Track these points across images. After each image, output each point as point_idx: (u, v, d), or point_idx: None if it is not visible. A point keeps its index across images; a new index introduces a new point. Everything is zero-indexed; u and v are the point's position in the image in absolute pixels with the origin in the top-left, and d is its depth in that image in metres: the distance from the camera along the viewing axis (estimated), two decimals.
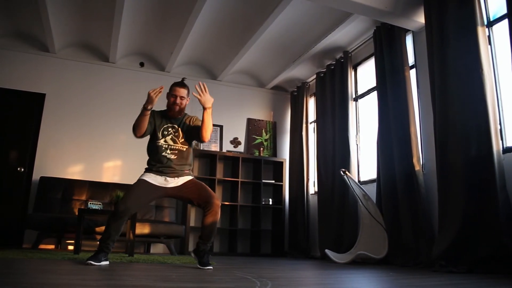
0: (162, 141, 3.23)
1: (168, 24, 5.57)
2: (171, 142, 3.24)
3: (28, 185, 5.69)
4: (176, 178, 3.22)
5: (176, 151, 3.25)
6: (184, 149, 3.28)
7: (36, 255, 3.66)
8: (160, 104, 3.34)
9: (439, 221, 3.77)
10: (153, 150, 3.25)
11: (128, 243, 4.42)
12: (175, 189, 3.22)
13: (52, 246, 5.53)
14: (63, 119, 6.00)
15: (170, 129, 3.27)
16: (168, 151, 3.22)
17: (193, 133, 3.28)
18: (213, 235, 3.22)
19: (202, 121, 3.18)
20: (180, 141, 3.28)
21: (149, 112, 3.17)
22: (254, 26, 5.30)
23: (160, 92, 3.12)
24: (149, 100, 3.12)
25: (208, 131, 3.18)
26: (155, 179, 3.18)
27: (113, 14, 5.08)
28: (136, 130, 3.18)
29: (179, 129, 3.29)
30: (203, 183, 3.31)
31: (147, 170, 3.25)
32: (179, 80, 3.35)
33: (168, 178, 3.20)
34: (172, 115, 3.29)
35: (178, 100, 3.25)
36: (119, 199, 4.37)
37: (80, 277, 2.18)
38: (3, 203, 5.59)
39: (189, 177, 3.29)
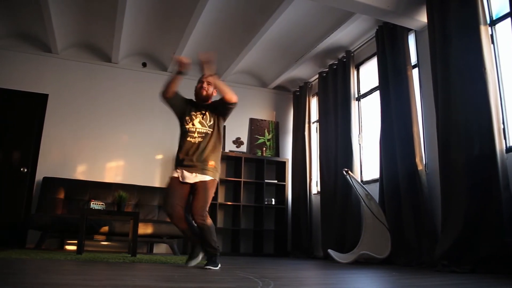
0: (190, 125, 3.28)
1: (170, 24, 5.57)
2: (198, 126, 3.27)
3: (31, 185, 5.71)
4: (194, 174, 3.18)
5: (203, 134, 3.25)
6: (211, 133, 3.28)
7: (38, 255, 3.66)
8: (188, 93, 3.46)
9: (442, 220, 3.76)
10: (181, 136, 3.31)
11: (131, 243, 4.42)
12: (192, 187, 3.20)
13: (55, 247, 5.54)
14: (66, 120, 6.02)
15: (197, 113, 3.31)
16: (196, 135, 3.24)
17: (218, 106, 3.34)
18: (207, 240, 3.23)
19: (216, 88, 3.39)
20: (208, 124, 3.29)
21: (181, 76, 3.28)
22: (256, 26, 5.30)
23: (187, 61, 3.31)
24: (179, 64, 3.30)
25: (226, 91, 3.27)
26: (178, 174, 3.21)
27: (115, 15, 5.09)
28: (167, 88, 3.28)
29: (207, 112, 3.32)
30: (207, 193, 3.18)
31: (174, 167, 3.30)
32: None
33: (185, 173, 3.18)
34: (199, 99, 3.37)
35: (205, 85, 3.34)
36: (121, 200, 4.38)
37: (81, 277, 2.18)
38: (7, 203, 5.61)
39: (207, 178, 3.20)
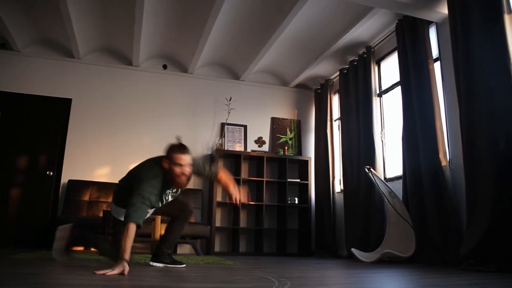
0: (164, 201, 3.03)
1: (188, 25, 5.60)
2: (170, 198, 3.08)
3: (57, 188, 5.84)
4: None
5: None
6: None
7: None
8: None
9: (467, 218, 3.65)
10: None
11: (153, 244, 4.45)
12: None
13: (81, 248, 5.64)
14: (89, 123, 6.13)
15: (171, 191, 3.02)
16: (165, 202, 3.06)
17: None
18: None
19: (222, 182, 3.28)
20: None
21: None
22: (274, 24, 5.27)
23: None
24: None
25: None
26: None
27: (134, 18, 5.15)
28: None
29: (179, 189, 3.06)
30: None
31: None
32: (178, 143, 2.94)
33: None
34: (175, 182, 2.89)
35: (189, 171, 2.86)
36: None
37: (99, 277, 2.20)
38: (35, 206, 5.75)
39: None
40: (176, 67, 6.76)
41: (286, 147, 6.92)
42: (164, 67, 6.71)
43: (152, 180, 2.74)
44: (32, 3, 5.18)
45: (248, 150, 6.71)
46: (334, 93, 6.75)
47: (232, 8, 5.10)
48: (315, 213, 6.55)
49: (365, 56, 5.71)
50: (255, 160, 6.68)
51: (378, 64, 5.74)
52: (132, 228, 2.50)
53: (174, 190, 3.01)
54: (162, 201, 2.94)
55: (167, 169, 2.81)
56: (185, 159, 2.81)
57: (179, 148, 2.84)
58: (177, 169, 2.79)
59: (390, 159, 5.42)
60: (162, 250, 3.22)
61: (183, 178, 2.82)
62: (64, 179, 5.83)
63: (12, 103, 5.96)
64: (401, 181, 4.75)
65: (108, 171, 6.09)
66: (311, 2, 4.76)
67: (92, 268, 2.56)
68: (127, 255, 2.45)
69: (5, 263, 2.96)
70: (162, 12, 5.32)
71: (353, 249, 4.80)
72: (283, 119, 7.12)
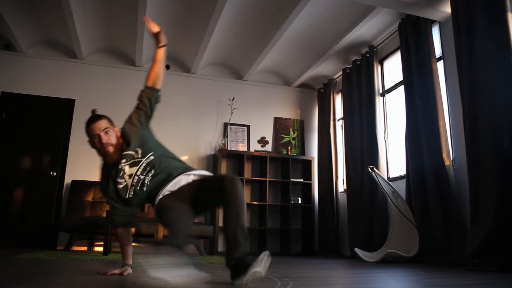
0: (123, 184, 2.36)
1: (191, 25, 5.60)
2: (132, 172, 2.35)
3: (61, 188, 5.86)
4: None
5: (147, 171, 2.35)
6: (153, 157, 2.38)
7: (66, 256, 3.74)
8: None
9: (471, 217, 3.63)
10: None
11: (156, 243, 4.46)
12: None
13: (85, 248, 5.66)
14: None
15: (122, 165, 2.36)
16: (138, 185, 2.34)
17: (139, 112, 2.52)
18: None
19: (155, 62, 2.60)
20: (140, 154, 2.38)
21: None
22: (276, 24, 5.27)
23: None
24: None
25: (160, 75, 2.62)
26: None
27: (136, 19, 5.16)
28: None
29: (130, 151, 2.38)
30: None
31: None
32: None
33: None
34: (111, 159, 2.39)
35: (105, 138, 2.35)
36: None
37: (100, 277, 2.20)
38: (38, 206, 5.77)
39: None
40: (179, 68, 6.76)
41: (289, 147, 6.91)
42: (167, 67, 6.71)
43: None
44: (35, 4, 5.20)
45: (251, 150, 6.71)
46: (337, 93, 6.74)
47: (235, 8, 5.10)
48: (318, 213, 6.54)
49: (368, 55, 5.69)
50: (258, 160, 6.68)
51: (381, 63, 5.73)
52: (118, 232, 2.45)
53: (121, 166, 2.35)
54: (117, 184, 2.35)
55: (95, 149, 2.41)
56: (94, 128, 2.36)
57: (87, 121, 2.42)
58: (96, 143, 2.36)
59: (393, 158, 5.40)
60: (229, 257, 2.08)
61: (107, 148, 2.34)
62: (68, 180, 5.85)
63: (16, 103, 5.99)
64: (404, 180, 4.73)
65: None
66: (314, 2, 4.75)
67: (93, 270, 2.56)
68: (126, 260, 2.43)
69: (8, 263, 2.97)
70: (165, 12, 5.33)
71: (356, 249, 4.78)
72: (286, 119, 7.11)
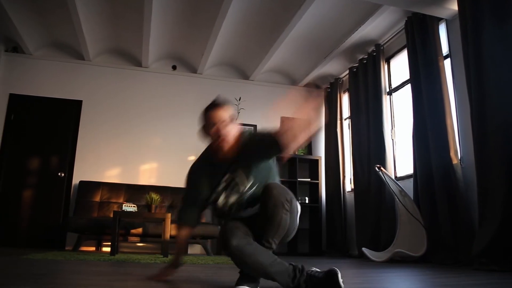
0: (221, 202, 2.06)
1: (197, 26, 5.61)
2: (234, 199, 2.04)
3: (69, 189, 5.90)
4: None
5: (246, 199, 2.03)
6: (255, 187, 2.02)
7: (73, 257, 3.76)
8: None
9: (479, 216, 3.59)
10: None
11: (163, 244, 4.47)
12: None
13: (93, 248, 5.69)
14: (100, 124, 6.17)
15: (225, 181, 2.05)
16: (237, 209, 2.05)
17: (260, 150, 2.01)
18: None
19: None
20: (248, 184, 2.01)
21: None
22: (282, 23, 5.26)
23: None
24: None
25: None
26: None
27: (142, 20, 5.18)
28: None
29: (238, 169, 2.02)
30: None
31: None
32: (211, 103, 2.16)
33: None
34: (221, 157, 2.05)
35: (221, 130, 1.99)
36: (152, 201, 4.44)
37: (107, 278, 2.21)
38: (46, 207, 5.82)
39: None
40: (185, 68, 6.78)
41: None
42: (174, 68, 6.74)
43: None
44: (42, 7, 5.24)
45: None
46: (344, 92, 6.71)
47: (241, 8, 5.10)
48: (325, 212, 6.52)
49: (374, 54, 5.66)
50: None
51: (388, 62, 5.69)
52: (183, 233, 2.22)
53: (229, 177, 2.04)
54: (214, 184, 2.07)
55: (208, 140, 2.12)
56: (213, 116, 2.04)
57: (209, 105, 2.13)
58: (213, 131, 2.02)
59: (400, 157, 5.37)
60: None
61: (222, 143, 2.00)
62: (76, 180, 5.89)
63: (24, 105, 6.04)
64: (412, 179, 4.70)
65: (119, 172, 6.13)
66: (319, 1, 4.74)
67: (100, 270, 2.57)
68: (181, 260, 2.30)
69: (17, 263, 2.99)
70: (171, 13, 5.34)
71: (364, 249, 4.76)
72: (293, 118, 7.08)
